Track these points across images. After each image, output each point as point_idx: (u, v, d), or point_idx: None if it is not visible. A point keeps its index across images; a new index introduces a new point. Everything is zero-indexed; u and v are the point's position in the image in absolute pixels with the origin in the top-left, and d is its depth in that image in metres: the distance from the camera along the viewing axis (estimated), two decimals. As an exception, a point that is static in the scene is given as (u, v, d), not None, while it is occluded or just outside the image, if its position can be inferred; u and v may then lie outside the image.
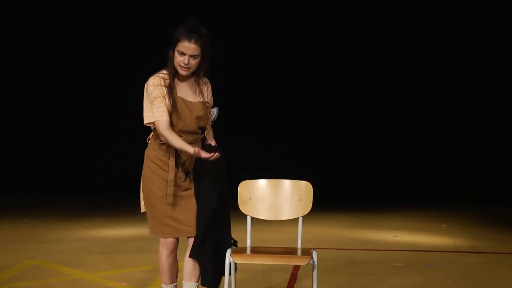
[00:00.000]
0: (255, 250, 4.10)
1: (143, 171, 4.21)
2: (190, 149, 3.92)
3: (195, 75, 4.14)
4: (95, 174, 11.79)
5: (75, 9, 11.61)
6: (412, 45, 11.32)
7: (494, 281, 5.67)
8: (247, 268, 5.56)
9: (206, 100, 4.16)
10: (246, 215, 4.27)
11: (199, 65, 4.09)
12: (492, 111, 11.37)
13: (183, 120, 4.06)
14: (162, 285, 4.25)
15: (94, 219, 9.07)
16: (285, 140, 11.36)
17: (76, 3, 11.61)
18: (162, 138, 4.06)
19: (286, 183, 4.28)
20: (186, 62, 4.00)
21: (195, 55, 4.01)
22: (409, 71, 11.39)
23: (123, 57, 11.50)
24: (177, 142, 3.98)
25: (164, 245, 4.15)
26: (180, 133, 4.07)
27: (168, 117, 4.02)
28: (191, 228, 4.10)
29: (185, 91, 4.11)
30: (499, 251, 6.97)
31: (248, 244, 4.22)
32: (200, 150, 3.90)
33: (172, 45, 4.04)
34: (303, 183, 4.25)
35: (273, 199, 4.26)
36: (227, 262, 3.96)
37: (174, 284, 4.24)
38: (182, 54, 4.01)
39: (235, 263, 4.17)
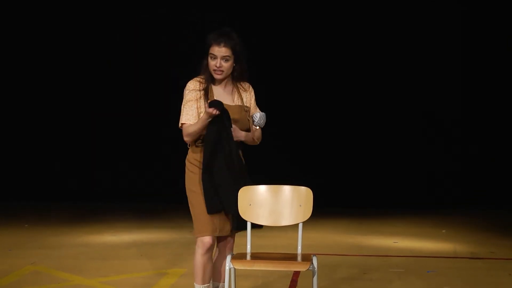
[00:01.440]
0: (255, 256, 4.10)
1: (185, 176, 4.30)
2: (203, 116, 4.07)
3: (234, 79, 4.27)
4: (96, 179, 11.79)
5: (76, 10, 11.60)
6: (411, 48, 11.33)
7: (494, 287, 5.67)
8: (247, 274, 5.56)
9: (245, 104, 4.27)
10: (246, 221, 4.27)
11: (234, 69, 4.22)
12: (492, 116, 11.37)
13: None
14: (195, 284, 4.32)
15: (94, 225, 9.07)
16: (285, 145, 11.36)
17: (77, 4, 11.60)
18: (186, 138, 4.20)
19: (286, 189, 4.28)
20: (218, 65, 4.14)
21: (226, 57, 4.15)
22: (408, 74, 11.40)
23: (123, 57, 11.52)
24: (196, 124, 4.12)
25: (200, 244, 4.23)
26: None
27: (195, 121, 4.14)
28: (228, 227, 4.25)
29: (222, 94, 4.22)
30: (499, 257, 6.97)
31: (248, 250, 4.22)
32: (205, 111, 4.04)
33: (206, 51, 4.19)
34: (303, 189, 4.25)
35: (273, 205, 4.26)
36: (227, 268, 3.96)
37: (206, 285, 4.29)
38: (214, 57, 4.15)
39: (235, 269, 4.17)
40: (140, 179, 11.68)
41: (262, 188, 4.28)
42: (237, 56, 4.20)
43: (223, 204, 4.16)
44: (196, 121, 4.14)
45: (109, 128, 11.72)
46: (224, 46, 4.13)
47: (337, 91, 11.46)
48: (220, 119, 4.09)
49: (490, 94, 11.37)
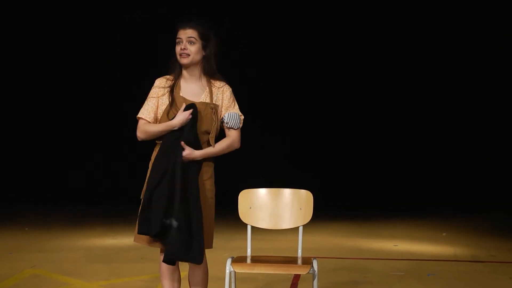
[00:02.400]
0: (256, 259, 4.09)
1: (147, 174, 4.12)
2: (172, 122, 3.89)
3: (205, 73, 4.06)
4: (96, 182, 11.80)
5: (76, 10, 11.62)
6: (411, 50, 11.35)
7: (494, 290, 5.67)
8: (248, 277, 5.55)
9: (214, 102, 4.03)
10: (246, 224, 4.27)
11: (203, 57, 4.03)
12: (492, 118, 11.38)
13: None
14: None
15: (94, 228, 9.07)
16: (286, 149, 11.37)
17: (77, 4, 11.62)
18: (140, 135, 4.02)
19: (286, 192, 4.28)
20: (183, 47, 3.97)
21: (192, 38, 3.97)
22: (408, 78, 11.43)
23: (123, 58, 11.54)
24: (158, 126, 3.96)
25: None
26: None
27: (152, 118, 3.99)
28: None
29: (189, 91, 4.04)
30: (499, 260, 6.97)
31: (249, 253, 4.22)
32: (179, 114, 3.87)
33: (174, 43, 4.04)
34: (303, 192, 4.25)
35: (273, 208, 4.26)
36: (227, 271, 3.95)
37: None
38: (180, 41, 3.99)
39: (235, 272, 4.16)
40: (140, 181, 11.68)
41: (262, 191, 4.27)
42: (205, 42, 4.00)
43: (150, 226, 3.83)
44: (151, 118, 3.99)
45: (109, 129, 11.73)
46: (189, 28, 3.97)
47: (338, 97, 11.49)
48: (175, 143, 3.86)
49: (489, 95, 11.38)
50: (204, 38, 4.00)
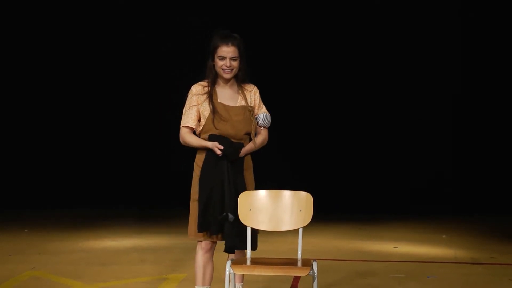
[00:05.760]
0: (255, 261, 4.09)
1: (192, 179, 4.41)
2: (209, 143, 4.26)
3: (238, 81, 4.42)
4: (96, 184, 11.80)
5: (76, 10, 11.62)
6: (410, 52, 11.35)
7: (494, 292, 5.67)
8: (247, 279, 5.55)
9: (249, 105, 4.40)
10: (246, 226, 4.26)
11: (239, 69, 4.39)
12: (494, 122, 11.37)
13: (223, 124, 4.30)
14: (196, 286, 4.42)
15: (94, 230, 9.06)
16: (286, 151, 11.36)
17: (77, 4, 11.62)
18: (182, 142, 4.39)
19: (286, 194, 4.27)
20: (228, 64, 4.31)
21: (235, 57, 4.33)
22: (407, 80, 11.42)
23: (124, 59, 11.55)
24: (196, 141, 4.33)
25: (200, 245, 4.37)
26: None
27: (194, 124, 4.35)
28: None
29: (226, 96, 4.38)
30: (500, 262, 6.96)
31: (248, 255, 4.22)
32: (215, 144, 4.22)
33: (211, 54, 4.36)
34: (303, 194, 4.25)
35: (273, 210, 4.26)
36: (227, 273, 3.95)
37: (205, 287, 4.41)
38: (223, 58, 4.31)
39: (235, 274, 4.17)
40: (140, 183, 11.68)
41: (262, 193, 4.27)
42: (242, 56, 4.36)
43: (212, 225, 4.25)
44: (195, 124, 4.34)
45: (109, 131, 11.73)
46: (232, 45, 4.31)
47: (337, 97, 11.49)
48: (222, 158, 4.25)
49: (489, 96, 11.37)
50: (241, 53, 4.38)
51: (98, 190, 11.71)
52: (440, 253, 7.53)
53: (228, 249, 4.24)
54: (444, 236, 8.85)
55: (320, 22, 11.41)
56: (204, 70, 4.41)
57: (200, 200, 4.27)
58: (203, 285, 4.39)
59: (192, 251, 7.44)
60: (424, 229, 9.44)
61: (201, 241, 4.35)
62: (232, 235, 4.21)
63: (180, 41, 11.37)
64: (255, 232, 4.26)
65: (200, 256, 4.36)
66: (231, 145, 4.27)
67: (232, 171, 4.26)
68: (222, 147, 4.22)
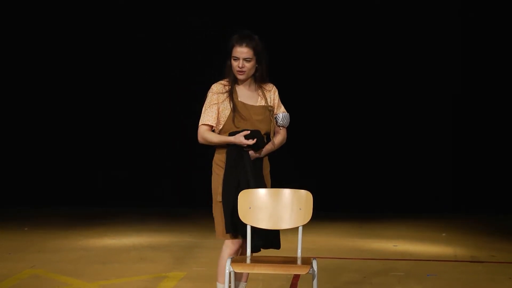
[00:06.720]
0: (255, 259, 4.10)
1: (212, 178, 4.41)
2: (231, 138, 4.26)
3: (256, 80, 4.43)
4: (96, 182, 11.79)
5: (76, 11, 11.60)
6: (410, 52, 11.33)
7: (494, 290, 5.67)
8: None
9: (269, 104, 4.42)
10: (246, 224, 4.27)
11: (256, 69, 4.39)
12: (494, 121, 11.36)
13: (244, 122, 4.32)
14: (217, 283, 4.41)
15: (94, 228, 9.06)
16: (285, 149, 11.35)
17: (77, 4, 11.60)
18: (200, 140, 4.37)
19: (286, 192, 4.28)
20: (240, 65, 4.32)
21: (248, 58, 4.33)
22: (409, 79, 11.39)
23: (123, 58, 11.53)
24: (216, 137, 4.33)
25: (229, 244, 4.34)
26: None
27: (214, 123, 4.33)
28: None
29: (246, 96, 4.40)
30: (499, 261, 6.97)
31: (248, 253, 4.22)
32: (239, 136, 4.23)
33: (229, 53, 4.37)
34: (303, 192, 4.25)
35: (273, 208, 4.26)
36: (226, 271, 3.96)
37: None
38: (237, 59, 4.33)
39: (235, 272, 4.17)
40: (140, 182, 11.68)
41: (262, 192, 4.28)
42: (258, 57, 4.37)
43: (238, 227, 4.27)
44: (215, 123, 4.33)
45: (108, 130, 11.72)
46: (246, 47, 4.32)
47: (339, 96, 11.45)
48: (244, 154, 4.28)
49: (490, 96, 11.36)
50: (258, 54, 4.38)
51: (98, 189, 11.70)
52: (440, 252, 7.53)
53: (254, 249, 4.26)
54: (444, 234, 8.85)
55: (320, 22, 11.39)
56: (223, 70, 4.42)
57: (226, 201, 4.27)
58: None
59: (192, 249, 7.46)
60: (423, 227, 9.45)
61: (232, 238, 4.33)
62: (258, 234, 4.23)
63: (180, 41, 11.36)
64: (277, 231, 4.28)
65: (226, 255, 4.31)
66: (262, 137, 4.32)
67: (255, 170, 4.30)
68: (249, 138, 4.22)
